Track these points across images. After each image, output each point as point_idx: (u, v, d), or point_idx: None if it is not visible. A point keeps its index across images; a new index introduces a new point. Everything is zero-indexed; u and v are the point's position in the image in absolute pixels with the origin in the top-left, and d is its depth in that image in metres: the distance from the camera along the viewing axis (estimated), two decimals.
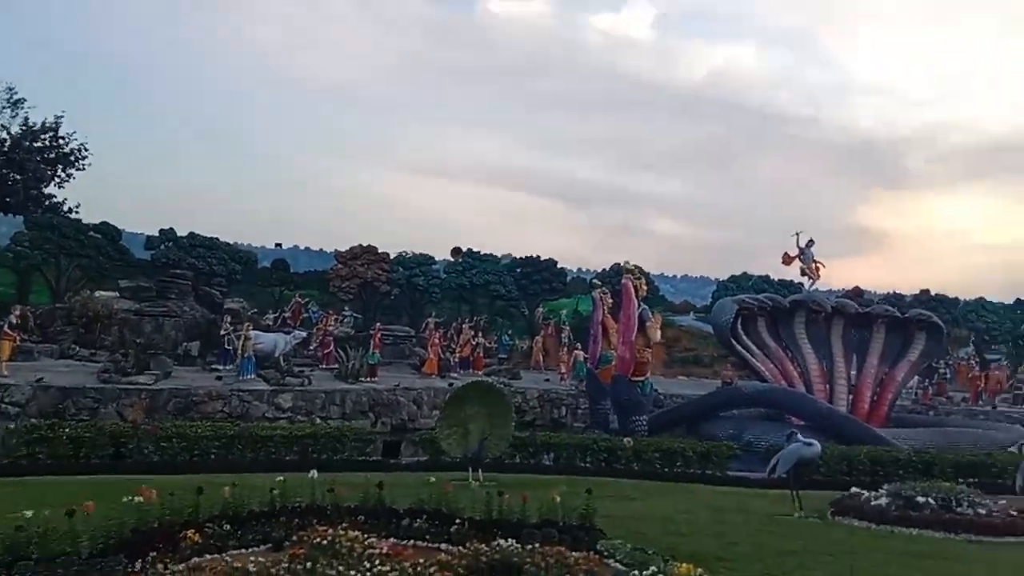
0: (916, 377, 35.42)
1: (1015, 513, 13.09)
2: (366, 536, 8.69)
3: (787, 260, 31.22)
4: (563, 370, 34.63)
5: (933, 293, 45.16)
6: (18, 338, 24.36)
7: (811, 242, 31.18)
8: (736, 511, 13.63)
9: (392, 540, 9.11)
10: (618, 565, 8.59)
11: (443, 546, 9.17)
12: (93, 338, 28.14)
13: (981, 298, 45.65)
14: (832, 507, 13.82)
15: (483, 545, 8.64)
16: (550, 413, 30.62)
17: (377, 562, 7.63)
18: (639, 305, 22.86)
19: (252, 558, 8.11)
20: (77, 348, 27.55)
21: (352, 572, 7.21)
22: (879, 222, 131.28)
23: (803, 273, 31.38)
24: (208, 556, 8.34)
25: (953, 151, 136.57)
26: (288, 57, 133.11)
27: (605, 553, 9.08)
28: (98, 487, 12.44)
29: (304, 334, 30.86)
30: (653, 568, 7.96)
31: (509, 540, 9.03)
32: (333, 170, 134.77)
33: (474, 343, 35.59)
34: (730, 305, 28.77)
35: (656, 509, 13.47)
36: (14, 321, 24.27)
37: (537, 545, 8.80)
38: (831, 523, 13.09)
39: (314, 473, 10.46)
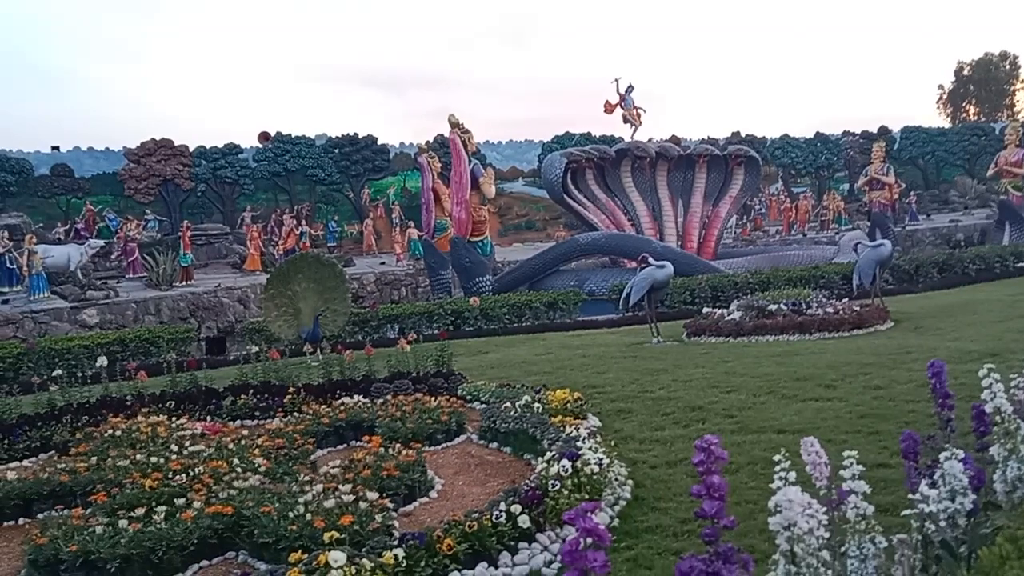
0: (734, 216, 36.74)
1: (857, 308, 13.21)
2: (175, 419, 7.04)
3: (609, 108, 30.60)
4: (398, 251, 33.50)
5: (743, 135, 46.69)
6: None
7: (631, 88, 30.68)
8: (595, 347, 13.05)
9: (211, 421, 7.50)
10: (484, 405, 7.48)
11: (276, 420, 7.64)
12: None
13: (786, 135, 47.77)
14: (687, 329, 13.45)
15: (324, 407, 7.26)
16: (389, 295, 29.51)
17: (188, 443, 6.02)
18: (470, 161, 21.37)
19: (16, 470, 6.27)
20: None
21: (154, 458, 5.57)
22: (681, 79, 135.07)
23: (625, 120, 30.93)
24: None
25: None
26: None
27: (468, 396, 7.98)
28: None
29: (101, 243, 27.35)
30: (527, 398, 6.89)
31: (356, 397, 7.72)
32: (111, 70, 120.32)
33: (298, 233, 33.41)
34: (559, 159, 27.88)
35: (514, 356, 12.75)
36: None
37: (390, 397, 7.55)
38: (690, 343, 12.68)
39: (102, 360, 8.45)
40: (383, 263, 32.83)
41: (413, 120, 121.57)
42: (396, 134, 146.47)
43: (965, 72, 67.81)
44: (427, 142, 41.63)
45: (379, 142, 42.36)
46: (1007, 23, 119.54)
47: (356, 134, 41.63)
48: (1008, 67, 66.85)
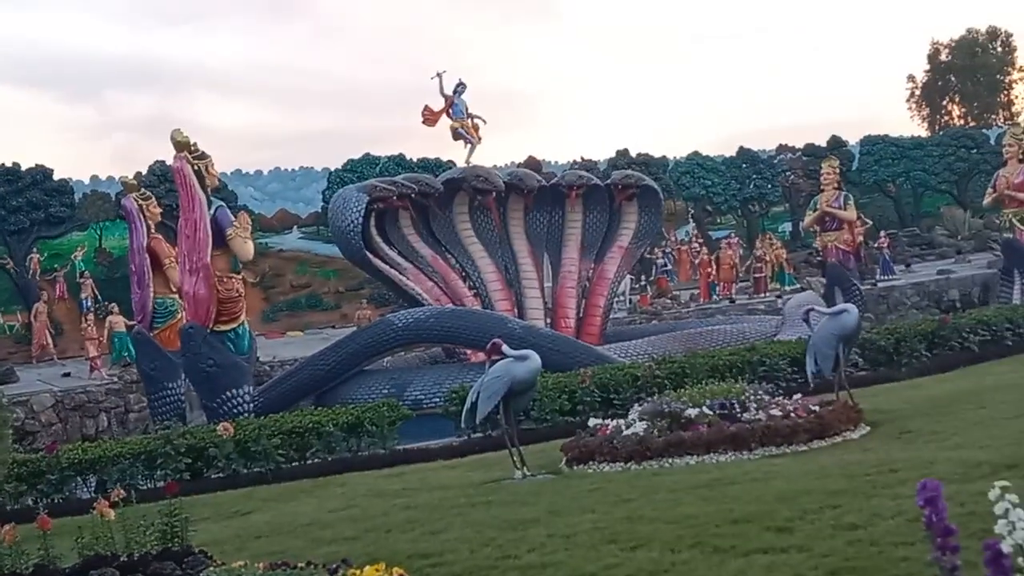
0: (628, 276, 38.13)
1: (816, 408, 13.89)
2: None
3: (431, 117, 31.25)
4: (93, 353, 32.96)
5: (635, 154, 48.67)
6: None
7: (462, 86, 31.49)
8: (424, 491, 13.15)
9: None
10: None
11: None
12: None
13: (696, 153, 50.08)
14: (567, 454, 13.73)
15: None
16: (80, 428, 28.89)
17: None
18: (210, 203, 21.03)
19: None
20: None
21: None
22: (534, 80, 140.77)
23: (456, 136, 31.69)
24: None
25: None
26: None
27: None
28: None
29: None
30: None
31: None
32: None
33: None
34: (356, 197, 28.01)
35: (295, 516, 12.64)
36: None
37: None
38: (571, 475, 12.95)
39: None
40: (67, 373, 32.53)
41: (113, 139, 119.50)
42: (85, 163, 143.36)
43: (942, 57, 74.43)
44: (138, 174, 41.06)
45: (56, 176, 42.04)
46: None
47: (16, 165, 41.23)
48: (1000, 49, 73.89)
